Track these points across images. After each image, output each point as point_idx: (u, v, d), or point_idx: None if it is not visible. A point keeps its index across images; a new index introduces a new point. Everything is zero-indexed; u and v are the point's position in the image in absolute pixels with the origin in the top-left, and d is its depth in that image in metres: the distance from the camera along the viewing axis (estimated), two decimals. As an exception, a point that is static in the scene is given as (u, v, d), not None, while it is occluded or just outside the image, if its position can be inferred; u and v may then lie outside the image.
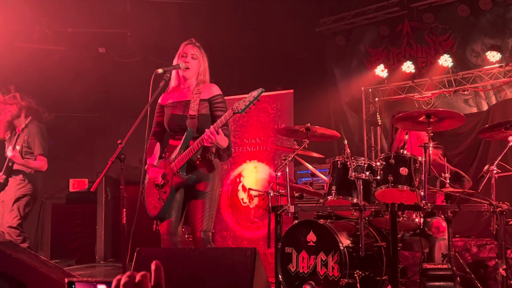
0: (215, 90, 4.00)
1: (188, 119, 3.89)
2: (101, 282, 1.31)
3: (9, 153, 5.60)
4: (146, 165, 4.02)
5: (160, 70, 3.82)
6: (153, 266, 1.13)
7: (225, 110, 3.89)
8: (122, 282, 1.10)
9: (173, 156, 3.90)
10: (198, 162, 3.89)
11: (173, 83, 4.12)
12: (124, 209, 3.54)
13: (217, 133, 3.64)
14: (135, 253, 2.47)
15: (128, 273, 1.12)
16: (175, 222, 3.92)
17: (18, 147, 5.61)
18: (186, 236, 6.10)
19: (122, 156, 3.60)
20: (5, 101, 5.78)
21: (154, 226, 3.94)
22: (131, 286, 1.09)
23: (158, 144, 4.13)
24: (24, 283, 3.03)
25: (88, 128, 9.26)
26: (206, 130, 3.65)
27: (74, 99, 8.95)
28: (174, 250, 2.90)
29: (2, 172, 5.70)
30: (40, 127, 5.85)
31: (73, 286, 1.35)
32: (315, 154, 5.22)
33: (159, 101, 4.16)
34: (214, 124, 3.68)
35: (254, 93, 3.59)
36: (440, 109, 5.05)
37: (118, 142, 3.58)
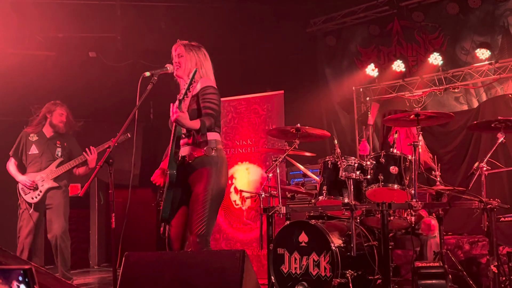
0: (205, 82, 3.80)
1: None
2: None
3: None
4: (158, 168, 3.90)
5: (147, 73, 3.74)
6: None
7: (215, 101, 3.74)
8: None
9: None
10: (192, 159, 3.70)
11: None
12: (113, 214, 3.51)
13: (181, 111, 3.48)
14: (124, 258, 2.47)
15: None
16: (176, 226, 3.71)
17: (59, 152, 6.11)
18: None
19: (111, 161, 3.58)
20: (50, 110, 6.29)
21: (162, 229, 3.70)
22: None
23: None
24: (13, 290, 3.01)
25: (80, 132, 9.26)
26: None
27: (66, 104, 8.92)
28: (163, 254, 2.90)
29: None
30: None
31: None
32: (306, 153, 5.23)
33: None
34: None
35: (190, 75, 3.60)
36: (429, 111, 5.07)
37: (106, 146, 3.56)
